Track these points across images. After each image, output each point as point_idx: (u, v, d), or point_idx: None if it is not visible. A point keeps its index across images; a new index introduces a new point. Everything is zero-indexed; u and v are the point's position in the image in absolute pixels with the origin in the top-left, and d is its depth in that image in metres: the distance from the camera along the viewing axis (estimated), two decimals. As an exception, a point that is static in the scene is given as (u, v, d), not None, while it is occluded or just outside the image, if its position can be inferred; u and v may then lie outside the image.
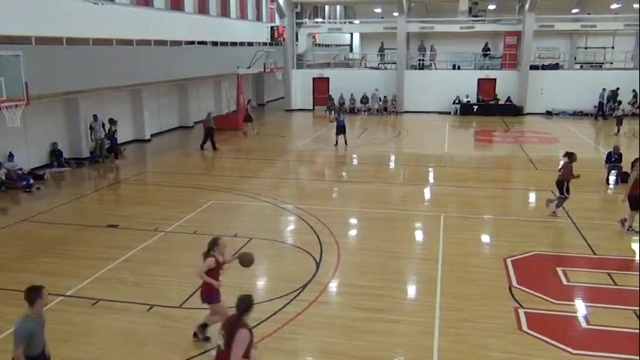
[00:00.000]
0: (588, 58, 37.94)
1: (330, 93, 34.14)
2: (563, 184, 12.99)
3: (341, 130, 22.16)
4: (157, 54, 21.64)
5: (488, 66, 35.48)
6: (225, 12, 29.29)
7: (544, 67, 33.48)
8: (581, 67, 36.64)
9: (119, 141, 20.88)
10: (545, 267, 10.27)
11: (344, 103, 33.77)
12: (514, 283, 9.45)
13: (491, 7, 38.27)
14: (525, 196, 15.79)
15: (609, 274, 9.77)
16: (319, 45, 41.87)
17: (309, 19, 38.27)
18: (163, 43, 22.14)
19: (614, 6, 36.04)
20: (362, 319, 8.25)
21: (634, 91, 30.23)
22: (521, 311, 8.41)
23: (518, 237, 11.79)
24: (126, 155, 21.11)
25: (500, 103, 32.66)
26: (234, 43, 28.88)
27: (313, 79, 35.05)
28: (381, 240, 11.72)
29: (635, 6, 35.66)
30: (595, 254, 10.81)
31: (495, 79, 33.19)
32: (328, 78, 34.87)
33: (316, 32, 39.03)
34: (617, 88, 30.57)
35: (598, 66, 36.35)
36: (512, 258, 10.50)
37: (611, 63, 36.40)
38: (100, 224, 12.76)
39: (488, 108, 32.18)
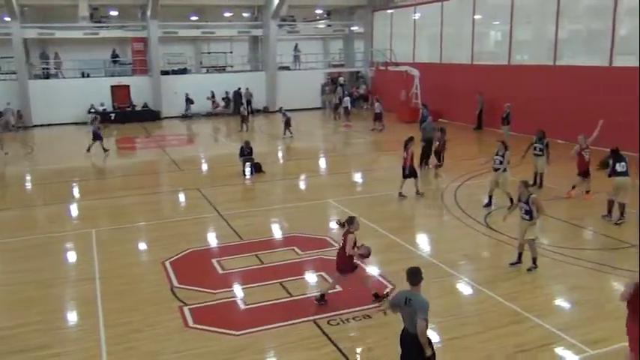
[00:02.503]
0: (212, 62, 40.96)
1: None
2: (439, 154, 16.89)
3: (97, 136, 22.27)
4: None
5: (120, 72, 35.11)
6: None
7: (174, 72, 34.87)
8: (207, 70, 39.34)
9: None
10: (201, 262, 10.82)
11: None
12: (175, 283, 9.71)
13: (114, 13, 37.75)
14: (175, 198, 16.27)
15: (257, 256, 10.90)
16: None
17: None
18: None
19: (227, 14, 39.67)
20: (17, 363, 7.35)
21: (247, 89, 34.15)
22: (185, 309, 8.71)
23: (173, 238, 12.10)
24: None
25: (137, 109, 32.73)
26: None
27: None
28: (28, 270, 10.54)
29: (245, 15, 40.08)
30: (242, 240, 11.90)
31: (129, 86, 33.06)
32: None
33: None
34: (239, 88, 33.99)
35: (222, 69, 39.63)
36: (170, 260, 10.75)
37: (232, 66, 40.10)
38: None
39: (125, 115, 31.87)
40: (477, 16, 27.27)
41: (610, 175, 12.32)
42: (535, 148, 14.93)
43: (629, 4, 20.69)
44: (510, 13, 24.79)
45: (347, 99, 30.77)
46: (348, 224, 8.52)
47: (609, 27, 20.31)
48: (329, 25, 42.47)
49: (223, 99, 34.22)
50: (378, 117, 26.52)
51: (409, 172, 14.72)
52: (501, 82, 24.90)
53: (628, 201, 12.35)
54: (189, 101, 33.06)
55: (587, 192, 14.00)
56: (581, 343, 7.42)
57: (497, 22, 27.24)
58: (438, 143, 17.43)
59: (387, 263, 10.43)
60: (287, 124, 25.38)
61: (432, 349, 5.92)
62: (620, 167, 12.15)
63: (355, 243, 8.48)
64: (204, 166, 20.97)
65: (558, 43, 22.72)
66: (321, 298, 8.75)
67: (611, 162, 12.33)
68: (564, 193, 14.20)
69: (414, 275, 6.05)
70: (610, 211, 12.47)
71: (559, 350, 7.35)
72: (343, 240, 8.52)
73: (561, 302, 8.93)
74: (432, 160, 17.54)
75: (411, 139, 14.90)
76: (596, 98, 20.09)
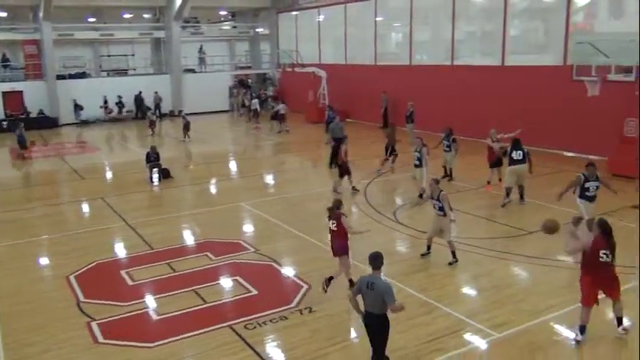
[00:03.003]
0: (113, 66, 39.37)
1: None
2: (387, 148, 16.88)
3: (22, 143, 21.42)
4: None
5: (11, 77, 32.95)
6: None
7: (71, 77, 33.20)
8: (108, 74, 37.79)
9: None
10: (109, 274, 10.38)
11: None
12: (81, 298, 9.24)
13: (2, 14, 35.37)
14: (78, 208, 15.47)
15: (168, 264, 10.60)
16: None
17: None
18: None
19: (127, 15, 38.27)
20: None
21: (155, 92, 33.08)
22: (93, 324, 8.31)
23: (78, 251, 11.52)
24: None
25: (32, 116, 30.82)
26: None
27: None
28: None
29: (146, 16, 38.84)
30: (152, 249, 11.53)
31: (22, 91, 31.08)
32: None
33: None
34: (140, 92, 32.90)
35: (123, 72, 38.17)
36: (75, 274, 10.22)
37: (135, 69, 38.76)
38: None
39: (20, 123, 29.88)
40: (378, 18, 28.05)
41: (509, 164, 13.32)
42: (444, 144, 15.74)
43: (518, 6, 22.14)
44: (410, 15, 25.71)
45: (255, 101, 30.62)
46: (337, 205, 8.95)
47: (500, 28, 21.57)
48: (234, 27, 42.13)
49: (117, 104, 32.91)
50: (282, 118, 26.54)
51: (342, 170, 15.05)
52: (404, 82, 25.77)
53: (525, 184, 13.42)
54: (78, 107, 31.52)
55: (500, 179, 14.85)
56: (487, 327, 7.84)
57: (398, 24, 28.18)
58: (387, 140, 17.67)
59: (301, 264, 10.50)
60: (186, 127, 24.94)
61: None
62: (516, 155, 13.15)
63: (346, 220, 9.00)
64: (108, 174, 20.12)
65: (455, 44, 23.86)
66: (351, 284, 8.79)
67: (508, 150, 13.34)
68: (483, 188, 14.97)
69: (375, 260, 6.46)
70: (508, 195, 13.48)
71: (467, 336, 7.72)
72: (336, 222, 8.86)
73: (468, 290, 9.39)
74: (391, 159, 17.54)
75: (344, 137, 15.20)
76: (491, 95, 21.33)
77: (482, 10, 24.12)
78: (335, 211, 8.97)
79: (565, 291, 8.91)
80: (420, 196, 13.35)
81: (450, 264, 10.06)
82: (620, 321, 7.42)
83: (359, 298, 6.56)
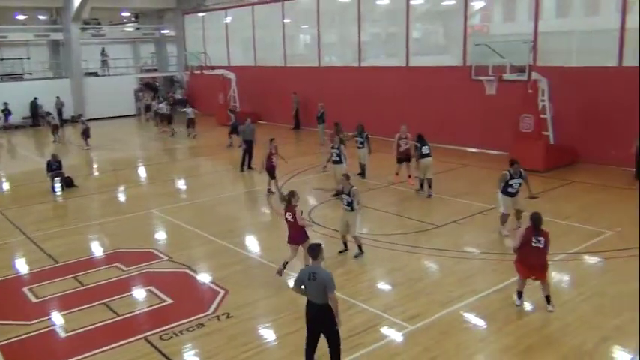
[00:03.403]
0: (8, 70, 36.88)
1: None
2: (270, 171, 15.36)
3: None
4: None
5: None
6: None
7: (-41, 82, 30.84)
8: (2, 79, 35.36)
9: None
10: (10, 291, 9.77)
11: None
12: (-20, 320, 8.62)
13: None
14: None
15: (75, 278, 10.09)
16: None
17: None
18: None
19: (20, 17, 36.04)
20: None
21: (57, 97, 31.40)
22: (-5, 347, 7.79)
23: (-27, 269, 10.73)
24: None
25: None
26: None
27: None
28: None
29: (42, 17, 36.72)
30: (57, 262, 10.93)
31: None
32: None
33: None
34: (36, 98, 31.09)
35: (19, 77, 35.85)
36: (-28, 294, 9.54)
37: (31, 73, 36.53)
38: None
39: None
40: (286, 20, 28.17)
41: (418, 158, 14.17)
42: (356, 142, 16.12)
43: (419, 9, 22.99)
44: (317, 18, 26.02)
45: (162, 105, 29.75)
46: (291, 198, 9.39)
47: (404, 30, 22.30)
48: (137, 29, 40.79)
49: (2, 111, 30.79)
50: (191, 123, 25.89)
51: (271, 172, 15.05)
52: (314, 83, 26.03)
53: (432, 176, 14.27)
54: None
55: (409, 176, 15.40)
56: (402, 320, 8.09)
57: (306, 26, 28.42)
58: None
59: (217, 269, 10.35)
60: (85, 133, 23.81)
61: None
62: (425, 150, 14.09)
63: (301, 214, 9.50)
64: (5, 185, 18.84)
65: (362, 45, 24.39)
66: (284, 267, 9.54)
67: (418, 145, 14.15)
68: (393, 185, 15.44)
69: (313, 250, 6.66)
70: (422, 186, 14.48)
71: (384, 330, 7.93)
72: (292, 214, 9.35)
73: (382, 285, 9.65)
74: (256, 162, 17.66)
75: (271, 139, 15.14)
76: (398, 95, 22.02)
77: (386, 12, 24.82)
78: (289, 204, 9.39)
79: (471, 280, 9.40)
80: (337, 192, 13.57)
81: (356, 256, 10.38)
82: (548, 299, 8.20)
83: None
